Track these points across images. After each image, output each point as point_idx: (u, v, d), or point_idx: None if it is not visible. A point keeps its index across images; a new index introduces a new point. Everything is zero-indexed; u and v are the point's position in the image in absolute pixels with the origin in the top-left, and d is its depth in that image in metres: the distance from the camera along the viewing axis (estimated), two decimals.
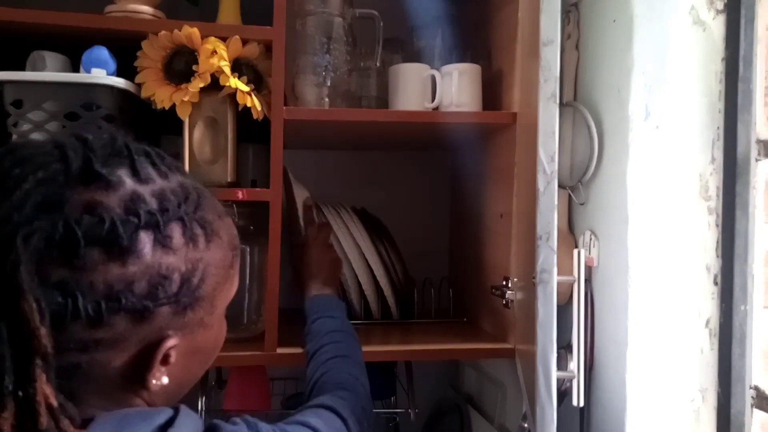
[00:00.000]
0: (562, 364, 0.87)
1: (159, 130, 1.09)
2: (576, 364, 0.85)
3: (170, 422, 0.47)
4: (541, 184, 0.74)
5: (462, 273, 1.28)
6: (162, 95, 0.93)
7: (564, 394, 0.90)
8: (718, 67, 0.84)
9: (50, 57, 0.93)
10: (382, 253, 1.13)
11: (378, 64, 1.10)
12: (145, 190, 0.47)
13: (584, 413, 0.93)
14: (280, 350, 0.96)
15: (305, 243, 1.06)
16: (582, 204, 0.94)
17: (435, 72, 1.03)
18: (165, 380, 0.49)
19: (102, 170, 0.45)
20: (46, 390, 0.41)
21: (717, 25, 0.84)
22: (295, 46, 1.02)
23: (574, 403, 0.85)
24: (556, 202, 0.75)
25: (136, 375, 0.48)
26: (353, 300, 1.13)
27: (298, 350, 0.97)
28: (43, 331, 0.40)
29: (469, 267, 1.22)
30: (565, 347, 0.90)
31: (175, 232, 0.47)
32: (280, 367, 1.29)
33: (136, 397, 0.50)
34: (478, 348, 1.02)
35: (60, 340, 0.42)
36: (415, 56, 1.14)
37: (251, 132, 1.01)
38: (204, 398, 1.11)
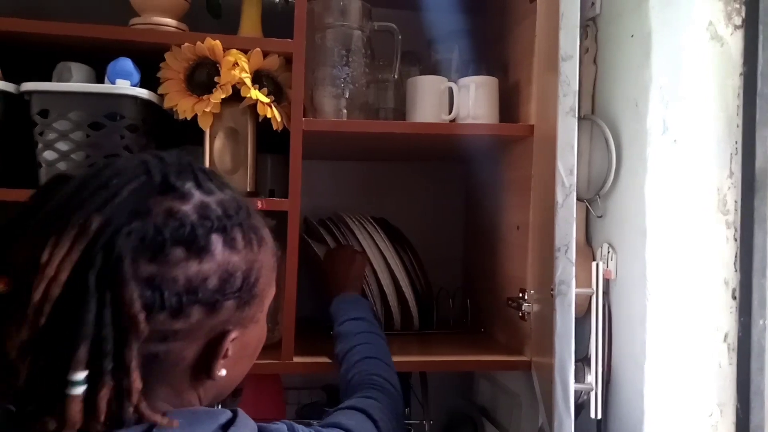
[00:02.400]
0: (579, 377, 0.87)
1: (180, 140, 1.11)
2: (594, 376, 0.85)
3: (231, 421, 0.51)
4: (559, 196, 0.74)
5: (476, 284, 1.28)
6: (184, 106, 0.95)
7: (581, 406, 0.90)
8: (735, 82, 0.84)
9: (76, 68, 0.95)
10: (407, 263, 1.14)
11: (396, 77, 1.11)
12: (210, 200, 0.53)
13: (601, 426, 0.92)
14: (296, 359, 0.97)
15: (325, 258, 1.08)
16: (599, 217, 0.94)
17: (452, 84, 1.04)
18: (224, 372, 0.54)
19: (176, 183, 0.51)
20: (135, 373, 0.46)
21: (735, 41, 0.84)
22: (315, 59, 1.04)
23: (592, 415, 0.85)
24: (574, 215, 0.75)
25: (202, 366, 0.53)
26: (377, 310, 1.14)
27: (314, 359, 0.98)
28: (142, 317, 0.46)
29: (484, 278, 1.22)
30: (581, 360, 0.90)
31: (237, 235, 0.53)
32: (295, 377, 1.30)
33: (194, 392, 0.55)
34: (495, 360, 1.02)
35: (147, 335, 0.47)
36: (432, 69, 1.15)
37: (269, 142, 1.03)
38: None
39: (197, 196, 0.52)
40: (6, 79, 0.91)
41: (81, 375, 0.44)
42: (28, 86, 0.91)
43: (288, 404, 1.27)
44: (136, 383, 0.46)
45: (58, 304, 0.45)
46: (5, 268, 0.47)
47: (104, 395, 0.45)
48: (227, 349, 0.53)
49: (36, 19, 0.91)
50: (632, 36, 0.89)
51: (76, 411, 0.44)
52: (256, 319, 0.57)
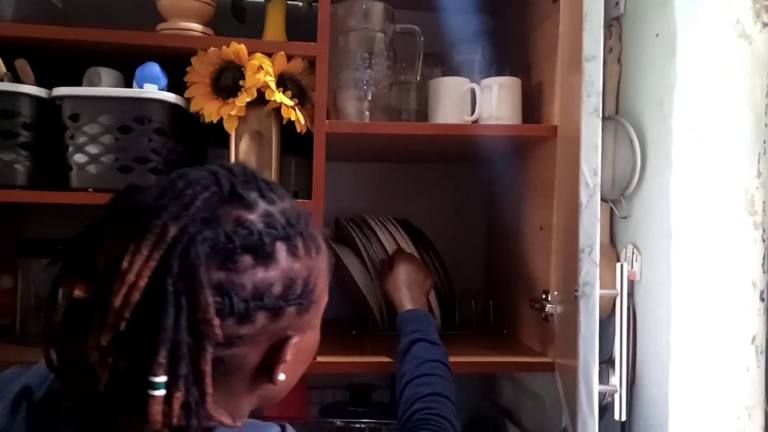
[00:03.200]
0: (602, 378, 0.87)
1: (206, 143, 1.13)
2: (618, 377, 0.85)
3: None
4: (583, 197, 0.74)
5: (499, 285, 1.28)
6: (210, 109, 0.96)
7: (604, 408, 0.89)
8: (764, 80, 0.83)
9: (105, 73, 0.97)
10: (429, 264, 1.14)
11: (418, 78, 1.12)
12: (273, 209, 0.54)
13: (625, 428, 0.92)
14: (320, 359, 0.97)
15: (396, 259, 1.07)
16: (624, 217, 0.94)
17: (475, 85, 1.04)
18: (283, 377, 0.56)
19: (243, 192, 0.53)
20: (209, 378, 0.47)
21: (763, 38, 0.83)
22: (338, 62, 1.04)
23: (616, 417, 0.85)
24: (599, 216, 0.75)
25: (263, 370, 0.55)
26: None
27: (338, 359, 0.98)
28: (216, 322, 0.47)
29: (506, 279, 1.22)
30: (605, 361, 0.90)
31: (299, 243, 0.55)
32: (318, 376, 1.31)
33: (250, 396, 0.57)
34: (517, 361, 1.02)
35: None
36: (454, 70, 1.15)
37: (293, 144, 1.04)
38: None
39: (262, 205, 0.54)
40: (38, 84, 0.94)
41: (162, 378, 0.46)
42: (60, 91, 0.93)
43: (311, 403, 1.28)
44: (209, 387, 0.48)
45: (138, 309, 0.46)
46: (85, 274, 0.49)
47: (179, 398, 0.46)
48: (287, 356, 0.55)
49: (66, 26, 0.94)
50: (657, 35, 0.88)
51: (157, 411, 0.46)
52: (313, 325, 0.59)
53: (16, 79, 0.93)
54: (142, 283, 0.46)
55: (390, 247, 1.12)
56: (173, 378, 0.46)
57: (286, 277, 0.53)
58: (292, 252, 0.53)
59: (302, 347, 0.58)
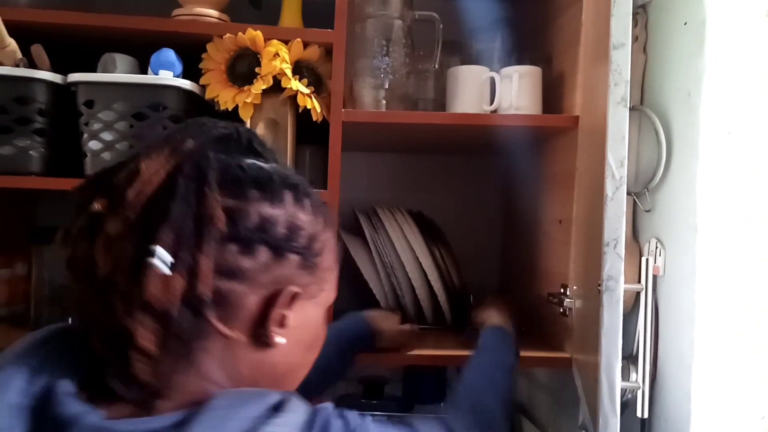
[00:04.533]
0: (623, 375, 0.85)
1: None
2: (641, 374, 0.83)
3: (282, 403, 0.49)
4: (609, 189, 0.72)
5: (515, 279, 1.26)
6: (226, 96, 0.95)
7: (624, 405, 0.88)
8: None
9: (120, 59, 0.96)
10: (437, 257, 1.12)
11: (436, 67, 1.10)
12: (286, 171, 0.55)
13: (646, 425, 0.90)
14: None
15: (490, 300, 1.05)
16: (648, 211, 0.91)
17: (494, 74, 1.02)
18: (283, 340, 0.53)
19: (259, 148, 0.54)
20: (208, 268, 0.47)
21: None
22: (355, 49, 1.03)
23: (639, 414, 0.83)
24: (624, 208, 0.73)
25: (263, 324, 0.52)
26: (407, 304, 1.13)
27: None
28: (222, 217, 0.48)
29: (523, 273, 1.20)
30: (626, 358, 0.88)
31: (306, 201, 0.55)
32: None
33: (249, 357, 0.53)
34: (532, 356, 1.00)
35: (218, 262, 0.49)
36: (473, 59, 1.13)
37: (308, 133, 1.02)
38: None
39: (276, 165, 0.55)
40: (53, 70, 0.93)
41: (161, 251, 0.46)
42: (75, 77, 0.92)
43: (324, 395, 1.27)
44: (208, 283, 0.47)
45: (149, 203, 0.47)
46: (105, 191, 0.50)
47: (179, 282, 0.46)
48: (286, 316, 0.53)
49: (81, 12, 0.93)
50: (685, 23, 0.85)
51: (154, 285, 0.46)
52: (317, 301, 0.57)
53: (32, 65, 0.92)
54: (156, 180, 0.48)
55: (397, 239, 1.10)
56: (175, 261, 0.47)
57: (291, 221, 0.52)
58: (299, 202, 0.54)
59: (306, 321, 0.56)
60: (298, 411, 0.49)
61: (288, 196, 0.53)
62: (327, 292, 0.58)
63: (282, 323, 0.53)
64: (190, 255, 0.47)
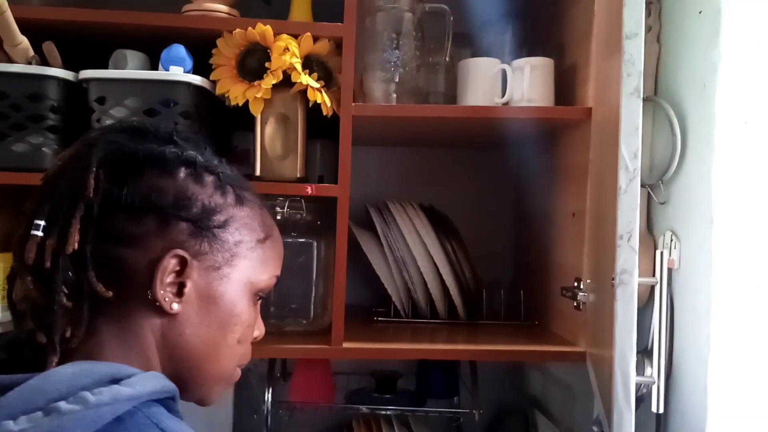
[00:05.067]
0: (638, 369, 0.84)
1: (232, 126, 1.12)
2: (656, 369, 0.82)
3: (122, 380, 0.49)
4: (622, 181, 0.71)
5: (528, 273, 1.25)
6: (236, 92, 0.95)
7: (639, 399, 0.87)
8: None
9: (131, 55, 0.96)
10: (449, 251, 1.11)
11: (447, 59, 1.09)
12: (194, 155, 0.59)
13: (661, 420, 0.89)
14: (346, 344, 0.97)
15: None
16: (662, 203, 0.90)
17: (506, 66, 1.01)
18: (176, 306, 0.55)
19: (177, 139, 0.58)
20: (74, 238, 0.52)
21: None
22: (364, 43, 1.02)
23: (654, 409, 0.82)
24: (638, 201, 0.72)
25: (152, 282, 0.54)
26: (419, 298, 1.12)
27: (363, 345, 0.97)
28: (91, 185, 0.53)
29: (536, 267, 1.20)
30: (640, 352, 0.87)
31: (207, 177, 0.58)
32: (343, 362, 1.30)
33: (148, 323, 0.55)
34: (546, 350, 1.00)
35: (106, 229, 0.53)
36: (484, 51, 1.12)
37: (318, 128, 1.02)
38: (270, 389, 1.13)
39: (189, 152, 0.58)
40: (65, 67, 0.93)
41: (38, 221, 0.53)
42: (87, 74, 0.92)
43: (337, 389, 1.27)
44: (74, 237, 0.52)
45: (45, 184, 0.56)
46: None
47: (50, 244, 0.52)
48: (185, 284, 0.55)
49: (92, 9, 0.93)
50: (700, 12, 0.84)
51: (31, 249, 0.52)
52: (223, 274, 0.57)
53: (44, 62, 0.93)
54: (60, 163, 0.56)
55: (409, 233, 1.10)
56: (49, 227, 0.53)
57: (181, 192, 0.56)
58: (195, 177, 0.57)
59: (210, 295, 0.57)
60: (145, 385, 0.49)
61: (182, 171, 0.56)
62: (241, 268, 0.59)
63: (180, 291, 0.55)
64: (62, 221, 0.52)
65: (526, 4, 1.17)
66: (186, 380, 0.58)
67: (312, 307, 1.05)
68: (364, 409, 1.18)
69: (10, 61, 0.90)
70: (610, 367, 0.75)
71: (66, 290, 0.52)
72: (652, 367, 0.86)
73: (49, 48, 0.93)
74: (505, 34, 1.11)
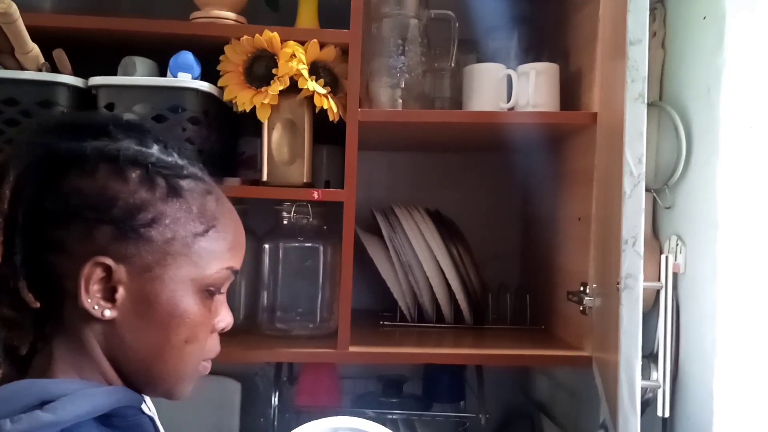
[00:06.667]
0: (644, 374, 0.84)
1: (239, 131, 1.13)
2: (662, 373, 0.82)
3: (59, 397, 0.49)
4: (627, 186, 0.71)
5: (534, 278, 1.25)
6: (243, 98, 0.96)
7: (645, 404, 0.87)
8: None
9: (140, 62, 0.97)
10: (455, 255, 1.12)
11: (452, 65, 1.09)
12: (129, 145, 0.56)
13: (667, 424, 0.89)
14: (352, 349, 0.97)
15: None
16: (668, 208, 0.91)
17: (511, 72, 1.01)
18: (108, 313, 0.53)
19: (113, 130, 0.56)
20: None
21: None
22: (370, 49, 1.03)
23: (659, 413, 0.82)
24: (643, 206, 0.72)
25: (81, 290, 0.52)
26: (425, 303, 1.13)
27: (370, 349, 0.98)
28: (6, 195, 0.51)
29: (542, 272, 1.20)
30: (646, 356, 0.87)
31: (132, 172, 0.54)
32: (350, 366, 1.30)
33: (88, 332, 0.54)
34: (552, 355, 1.00)
35: (35, 237, 0.52)
36: (489, 56, 1.12)
37: (325, 133, 1.03)
38: (277, 393, 1.14)
39: (127, 142, 0.55)
40: (75, 74, 0.94)
41: None
42: (96, 80, 0.93)
43: (343, 393, 1.28)
44: None
45: None
46: None
47: None
48: (115, 290, 0.53)
49: (102, 16, 0.94)
50: (705, 18, 0.84)
51: None
52: (156, 275, 0.54)
53: (54, 69, 0.94)
54: None
55: (415, 237, 1.10)
56: None
57: (101, 192, 0.53)
58: (117, 173, 0.54)
59: (144, 298, 0.54)
60: (78, 404, 0.49)
61: (101, 169, 0.53)
62: (176, 267, 0.55)
63: (111, 296, 0.53)
64: None
65: (531, 10, 1.18)
66: (142, 381, 0.57)
67: (318, 311, 1.06)
68: (370, 413, 1.18)
69: (21, 68, 0.91)
70: (616, 371, 0.75)
71: (6, 300, 0.51)
72: (657, 371, 0.86)
73: (59, 55, 0.94)
74: (511, 39, 1.12)
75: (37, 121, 0.59)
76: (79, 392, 0.50)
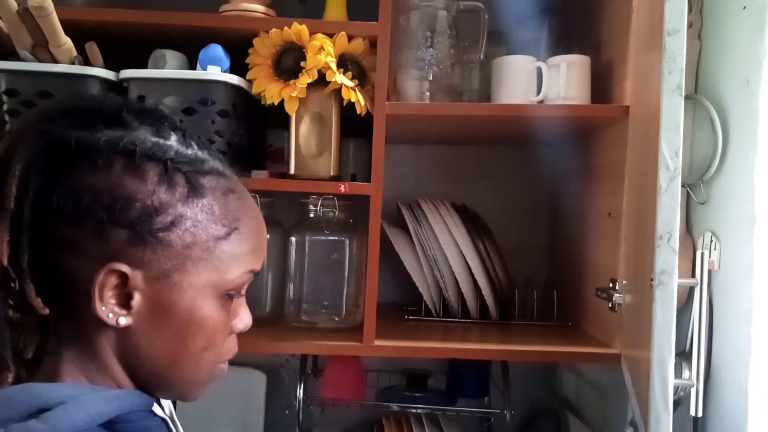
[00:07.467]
0: (676, 372, 0.83)
1: (268, 124, 1.13)
2: (695, 371, 0.81)
3: (55, 405, 0.46)
4: (663, 180, 0.70)
5: (562, 273, 1.24)
6: (272, 91, 0.96)
7: (676, 402, 0.85)
8: None
9: (170, 55, 0.98)
10: (481, 250, 1.11)
11: (481, 57, 1.08)
12: (146, 136, 0.51)
13: (698, 423, 0.87)
14: (377, 342, 0.97)
15: None
16: (702, 203, 0.88)
17: (541, 64, 1.00)
18: (123, 321, 0.50)
19: (127, 116, 0.51)
20: (3, 249, 0.47)
21: None
22: (398, 41, 1.02)
23: (692, 412, 0.81)
24: (679, 200, 0.70)
25: (93, 296, 0.49)
26: (450, 297, 1.12)
27: (394, 343, 0.98)
28: (13, 192, 0.47)
29: (570, 267, 1.18)
30: (678, 354, 0.86)
31: (150, 169, 0.50)
32: (374, 360, 1.30)
33: (102, 337, 0.51)
34: (581, 352, 0.99)
35: (43, 235, 0.49)
36: (519, 48, 1.11)
37: (352, 126, 1.03)
38: (302, 385, 1.14)
39: (137, 131, 0.51)
40: (106, 67, 0.96)
41: None
42: (127, 73, 0.94)
43: (368, 386, 1.28)
44: (2, 248, 0.47)
45: None
46: None
47: None
48: (131, 296, 0.50)
49: (133, 9, 0.95)
50: (744, 7, 0.82)
51: None
52: (174, 281, 0.51)
53: (87, 62, 0.95)
54: None
55: (441, 231, 1.10)
56: None
57: (117, 191, 0.48)
58: (135, 171, 0.49)
59: (161, 305, 0.51)
60: (79, 411, 0.46)
61: (117, 164, 0.49)
62: (197, 273, 0.52)
63: (127, 303, 0.50)
64: None
65: (561, 1, 1.16)
66: (156, 385, 0.54)
67: (344, 304, 1.06)
68: (394, 407, 1.19)
69: (55, 61, 0.93)
70: (648, 369, 0.74)
71: (12, 302, 0.48)
72: (690, 369, 0.84)
73: (92, 48, 0.95)
74: (541, 31, 1.10)
75: (43, 105, 0.54)
76: (77, 399, 0.47)
